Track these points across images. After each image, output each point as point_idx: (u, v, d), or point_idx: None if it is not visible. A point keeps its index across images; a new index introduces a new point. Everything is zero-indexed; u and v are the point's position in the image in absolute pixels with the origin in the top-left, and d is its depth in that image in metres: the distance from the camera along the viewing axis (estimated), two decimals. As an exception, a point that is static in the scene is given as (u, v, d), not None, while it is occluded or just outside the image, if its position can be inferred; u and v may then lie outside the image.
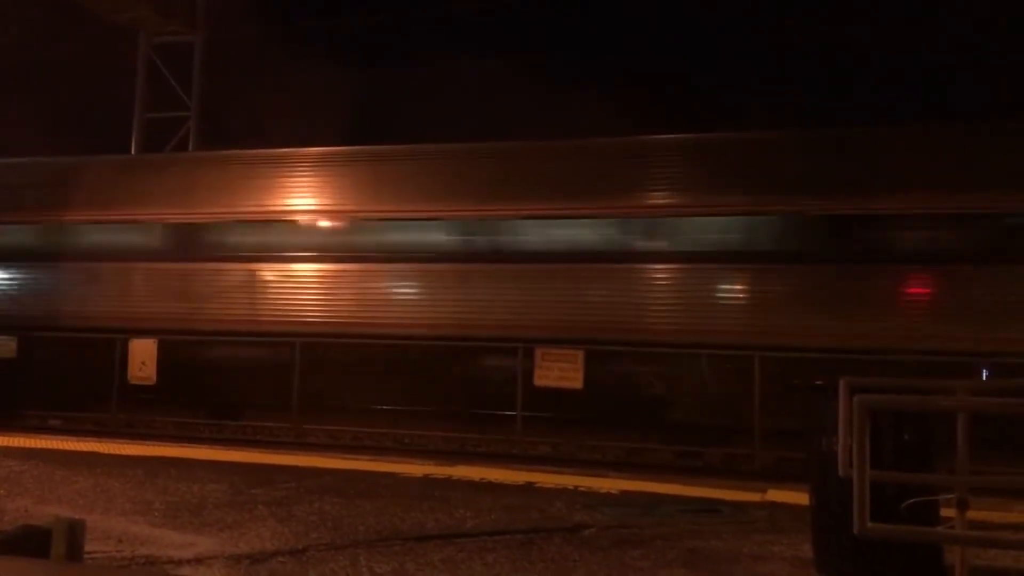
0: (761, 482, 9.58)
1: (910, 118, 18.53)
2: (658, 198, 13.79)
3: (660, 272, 13.64)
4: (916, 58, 21.04)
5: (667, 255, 13.64)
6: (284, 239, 15.40)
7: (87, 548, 4.75)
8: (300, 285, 15.20)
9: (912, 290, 12.91)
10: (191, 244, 15.93)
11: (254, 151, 16.94)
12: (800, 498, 6.66)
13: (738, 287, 13.40)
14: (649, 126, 16.21)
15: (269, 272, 15.39)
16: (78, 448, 11.04)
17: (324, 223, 15.36)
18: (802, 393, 6.11)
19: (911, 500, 4.79)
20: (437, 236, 14.64)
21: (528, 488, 8.69)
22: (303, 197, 15.52)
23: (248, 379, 15.84)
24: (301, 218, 15.40)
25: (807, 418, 5.79)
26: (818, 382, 5.66)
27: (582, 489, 8.58)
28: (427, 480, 9.02)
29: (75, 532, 3.80)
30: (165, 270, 16.04)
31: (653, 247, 13.82)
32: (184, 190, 16.09)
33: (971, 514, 4.58)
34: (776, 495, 8.36)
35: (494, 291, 14.23)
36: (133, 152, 25.11)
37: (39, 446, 11.06)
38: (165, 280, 15.96)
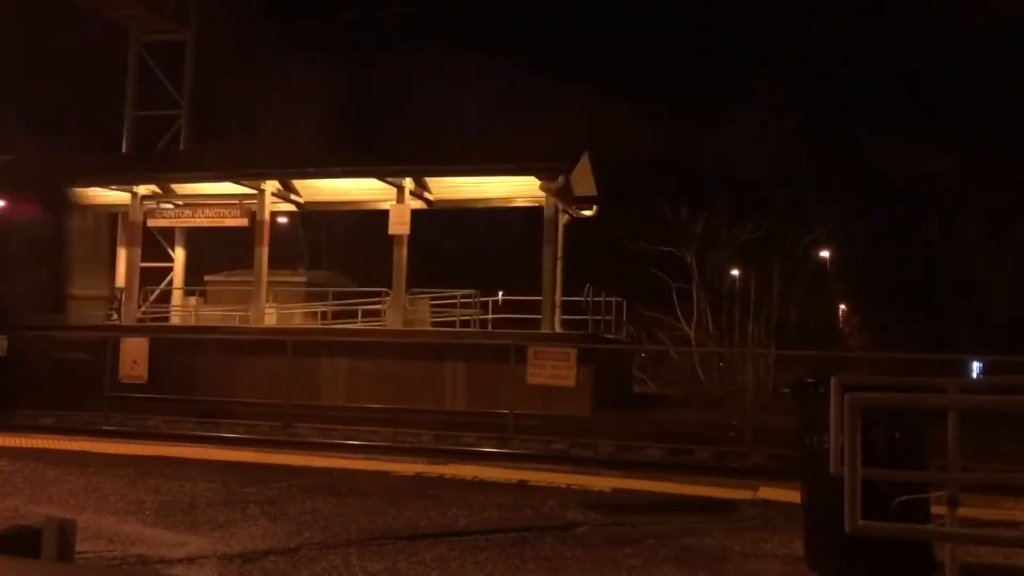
0: (753, 480, 9.61)
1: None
2: None
3: None
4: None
5: None
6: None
7: (78, 548, 4.72)
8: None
9: None
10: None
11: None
12: (792, 496, 6.68)
13: None
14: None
15: None
16: (69, 447, 11.00)
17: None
18: (795, 391, 6.12)
19: (902, 497, 4.80)
20: None
21: (520, 486, 8.69)
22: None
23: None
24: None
25: (799, 416, 5.80)
26: (809, 380, 5.67)
27: (575, 487, 8.59)
28: (419, 479, 9.02)
29: (66, 532, 3.79)
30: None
31: None
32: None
33: (962, 511, 4.60)
34: (768, 493, 8.38)
35: None
36: (124, 149, 25.03)
37: (30, 445, 11.02)
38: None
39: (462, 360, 16.81)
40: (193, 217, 20.83)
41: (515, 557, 5.72)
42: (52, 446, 11.06)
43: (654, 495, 8.37)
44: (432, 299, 20.49)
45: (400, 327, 18.77)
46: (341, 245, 30.83)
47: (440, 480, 8.96)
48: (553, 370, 13.67)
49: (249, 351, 17.34)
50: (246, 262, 20.63)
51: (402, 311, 18.99)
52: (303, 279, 22.24)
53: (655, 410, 18.99)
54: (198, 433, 13.96)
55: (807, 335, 25.67)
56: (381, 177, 19.37)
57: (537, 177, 18.43)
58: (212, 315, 20.68)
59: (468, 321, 19.73)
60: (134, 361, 15.96)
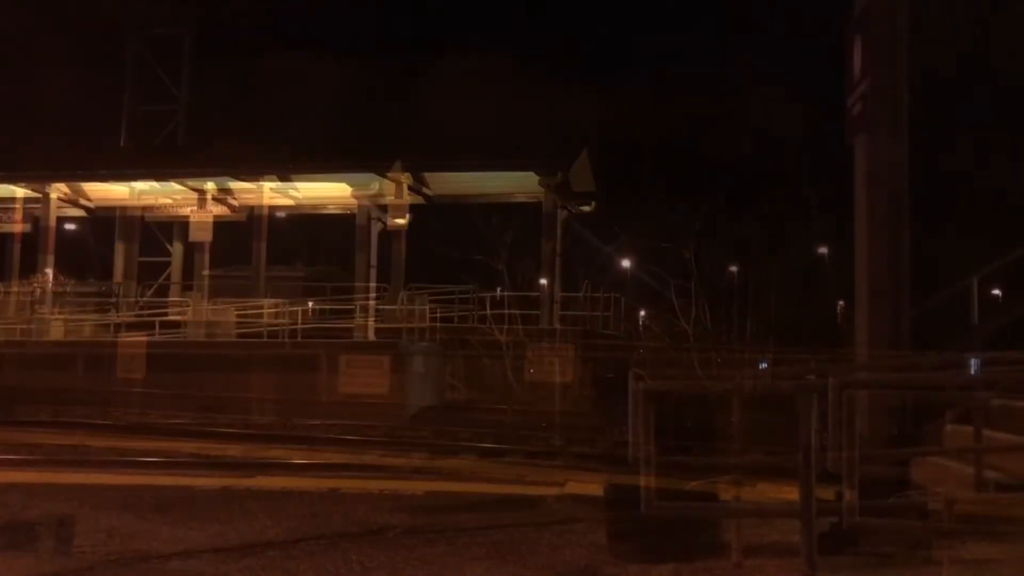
0: (751, 476, 9.56)
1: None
2: None
3: None
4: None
5: None
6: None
7: (76, 542, 4.72)
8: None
9: None
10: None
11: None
12: (791, 492, 6.67)
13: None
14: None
15: None
16: (68, 443, 10.99)
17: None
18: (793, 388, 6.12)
19: (899, 493, 4.82)
20: None
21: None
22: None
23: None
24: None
25: (797, 413, 5.79)
26: (809, 376, 5.67)
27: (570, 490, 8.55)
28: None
29: (64, 526, 3.80)
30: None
31: None
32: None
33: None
34: (766, 489, 8.35)
35: None
36: (122, 143, 24.98)
37: (29, 441, 11.01)
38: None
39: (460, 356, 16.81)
40: (191, 212, 20.80)
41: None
42: (50, 441, 11.06)
43: (652, 491, 8.32)
44: (431, 295, 20.47)
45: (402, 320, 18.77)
46: (340, 241, 30.80)
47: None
48: (551, 366, 13.70)
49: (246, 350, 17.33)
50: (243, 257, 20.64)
51: (399, 307, 19.00)
52: (300, 274, 22.22)
53: (653, 406, 18.96)
54: (196, 428, 13.93)
55: (806, 332, 25.66)
56: (380, 173, 19.37)
57: (536, 173, 18.44)
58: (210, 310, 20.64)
59: (467, 316, 19.71)
60: (132, 358, 15.95)
